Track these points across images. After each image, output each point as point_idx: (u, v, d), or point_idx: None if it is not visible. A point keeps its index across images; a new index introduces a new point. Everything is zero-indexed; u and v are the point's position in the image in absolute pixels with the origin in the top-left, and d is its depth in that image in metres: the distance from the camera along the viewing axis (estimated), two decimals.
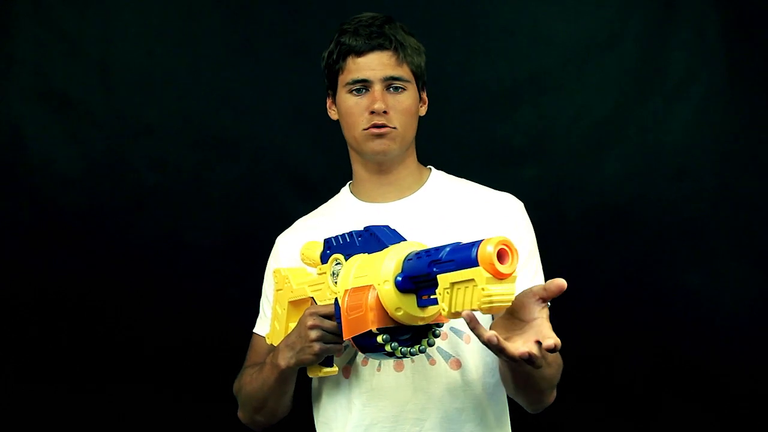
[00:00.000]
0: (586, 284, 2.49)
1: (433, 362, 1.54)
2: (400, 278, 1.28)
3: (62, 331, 2.63)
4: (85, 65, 2.68)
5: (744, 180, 2.54)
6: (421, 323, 1.31)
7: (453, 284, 1.19)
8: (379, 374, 1.54)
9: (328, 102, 1.68)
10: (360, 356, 1.55)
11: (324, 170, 2.60)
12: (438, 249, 1.23)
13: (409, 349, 1.32)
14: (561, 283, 1.20)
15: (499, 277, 1.15)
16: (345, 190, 1.71)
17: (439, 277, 1.21)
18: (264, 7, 2.67)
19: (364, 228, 1.41)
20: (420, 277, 1.26)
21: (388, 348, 1.30)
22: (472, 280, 1.16)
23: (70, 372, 2.63)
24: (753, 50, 2.55)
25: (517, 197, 1.67)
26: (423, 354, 1.53)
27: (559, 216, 2.56)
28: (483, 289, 1.15)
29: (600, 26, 2.61)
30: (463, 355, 1.54)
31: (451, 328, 1.54)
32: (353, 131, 1.61)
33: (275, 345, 1.57)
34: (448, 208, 1.62)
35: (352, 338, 1.34)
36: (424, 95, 1.68)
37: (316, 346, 1.43)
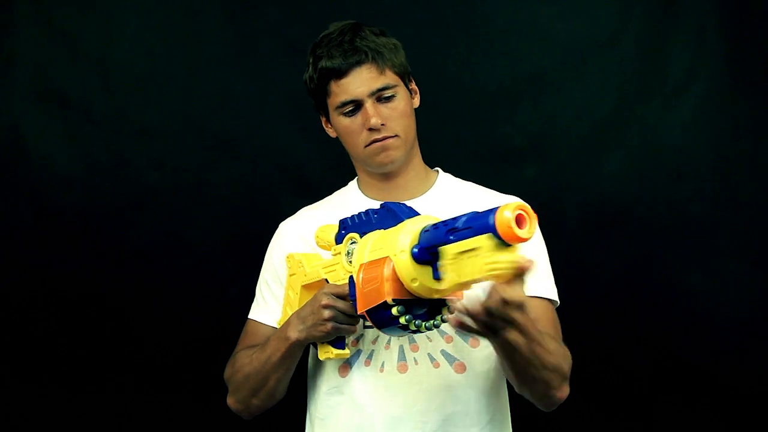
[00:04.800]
0: (586, 284, 2.50)
1: (437, 365, 1.53)
2: (416, 249, 1.27)
3: (62, 331, 2.63)
4: (85, 65, 2.67)
5: (744, 180, 2.54)
6: (437, 296, 1.30)
7: (460, 253, 1.18)
8: (382, 375, 1.53)
9: (323, 120, 1.67)
10: (363, 356, 1.55)
11: (324, 170, 2.59)
12: (455, 219, 1.23)
13: (423, 323, 1.31)
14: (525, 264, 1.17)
15: (519, 242, 1.15)
16: (353, 185, 1.70)
17: (449, 246, 1.21)
18: (264, 7, 2.67)
19: (381, 204, 1.40)
20: (437, 246, 1.25)
21: (402, 321, 1.29)
22: (479, 248, 1.16)
23: (70, 372, 2.62)
24: (753, 50, 2.55)
25: (517, 197, 1.67)
26: (429, 357, 1.53)
27: (559, 216, 2.56)
28: (487, 257, 1.14)
29: (600, 26, 2.61)
30: (468, 359, 1.54)
31: (458, 332, 1.53)
32: (356, 150, 1.61)
33: None
34: (457, 211, 1.61)
35: (367, 312, 1.33)
36: (413, 85, 1.66)
37: (329, 325, 1.42)
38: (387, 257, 1.30)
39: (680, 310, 2.54)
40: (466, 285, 1.20)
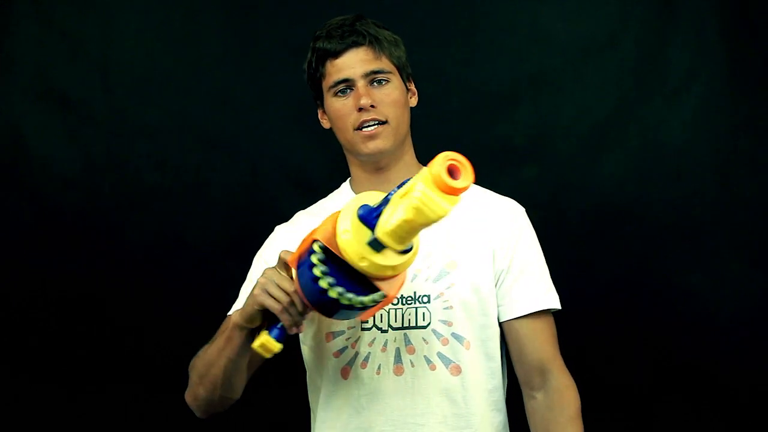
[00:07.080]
0: (586, 284, 2.49)
1: (433, 367, 1.53)
2: (362, 208, 1.25)
3: (62, 331, 2.63)
4: (85, 65, 2.68)
5: (744, 180, 2.54)
6: (361, 264, 1.24)
7: (402, 196, 1.17)
8: (379, 377, 1.53)
9: (320, 113, 1.67)
10: (359, 358, 1.55)
11: (324, 170, 2.59)
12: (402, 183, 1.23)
13: (359, 298, 1.26)
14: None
15: (450, 192, 1.14)
16: (345, 186, 1.70)
17: (397, 192, 1.20)
18: (264, 7, 2.67)
19: None
20: (381, 204, 1.23)
21: (333, 294, 1.24)
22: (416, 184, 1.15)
23: (70, 372, 2.63)
24: (753, 50, 2.55)
25: (517, 197, 1.67)
26: (425, 359, 1.53)
27: (559, 216, 2.56)
28: (418, 187, 1.13)
29: (600, 26, 2.61)
30: (463, 361, 1.54)
31: (452, 334, 1.54)
32: (345, 134, 1.59)
33: None
34: (454, 211, 1.60)
35: (297, 264, 1.29)
36: (412, 86, 1.66)
37: (257, 291, 1.36)
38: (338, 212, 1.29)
39: (680, 310, 2.54)
40: (399, 234, 1.18)
